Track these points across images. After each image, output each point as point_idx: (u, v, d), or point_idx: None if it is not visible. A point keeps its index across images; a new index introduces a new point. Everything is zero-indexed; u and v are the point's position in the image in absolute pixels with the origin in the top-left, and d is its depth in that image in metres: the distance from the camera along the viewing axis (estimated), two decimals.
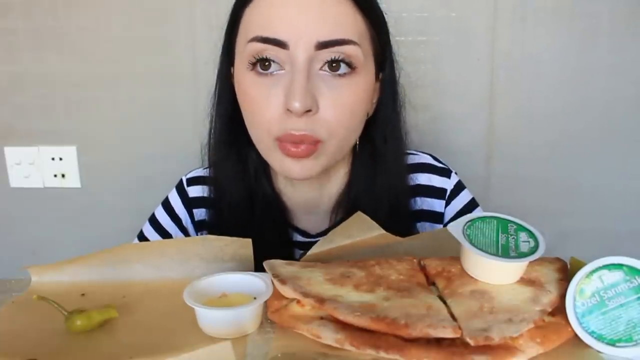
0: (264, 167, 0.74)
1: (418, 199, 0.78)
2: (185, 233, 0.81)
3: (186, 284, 0.49)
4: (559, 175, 1.08)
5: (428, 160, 0.81)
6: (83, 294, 0.56)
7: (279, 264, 0.54)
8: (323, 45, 0.61)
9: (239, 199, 0.74)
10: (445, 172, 0.80)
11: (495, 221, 0.52)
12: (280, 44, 0.61)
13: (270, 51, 0.62)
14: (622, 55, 1.02)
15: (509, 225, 0.52)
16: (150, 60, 1.07)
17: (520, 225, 0.52)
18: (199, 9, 1.04)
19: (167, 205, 0.82)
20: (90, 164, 1.13)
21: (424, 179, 0.79)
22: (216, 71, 0.74)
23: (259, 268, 0.57)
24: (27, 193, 1.14)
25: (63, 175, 1.13)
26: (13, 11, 1.06)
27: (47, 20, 1.06)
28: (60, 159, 1.12)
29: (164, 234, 0.80)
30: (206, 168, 0.80)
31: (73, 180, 1.13)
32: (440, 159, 0.82)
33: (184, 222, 0.81)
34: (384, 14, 0.70)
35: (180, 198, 0.81)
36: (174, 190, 0.83)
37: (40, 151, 1.12)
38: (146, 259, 0.59)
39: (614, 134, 1.06)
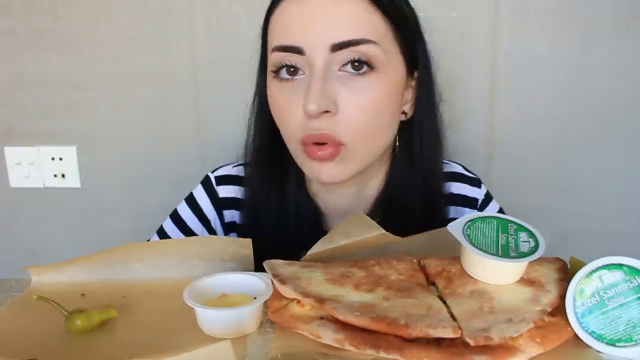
0: (301, 175, 0.73)
1: (452, 208, 0.78)
2: (213, 234, 0.79)
3: (186, 284, 0.50)
4: (559, 175, 1.08)
5: (459, 169, 0.81)
6: (83, 294, 0.56)
7: (279, 264, 0.54)
8: (338, 47, 0.61)
9: (276, 205, 0.74)
10: (476, 182, 0.81)
11: (495, 221, 0.52)
12: (297, 50, 0.62)
13: (290, 58, 0.63)
14: (623, 56, 1.01)
15: (509, 225, 0.52)
16: (150, 60, 1.07)
17: (520, 225, 0.52)
18: (199, 9, 1.04)
19: (193, 203, 0.79)
20: (90, 164, 1.13)
21: (456, 188, 0.79)
22: (248, 85, 0.75)
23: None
24: (27, 193, 1.14)
25: (63, 175, 1.13)
26: (13, 11, 1.06)
27: (47, 20, 1.06)
28: (60, 159, 1.12)
29: (188, 231, 0.78)
30: (235, 166, 0.80)
31: (73, 180, 1.13)
32: (470, 169, 0.82)
33: (212, 223, 0.79)
34: (413, 9, 0.69)
35: (209, 197, 0.79)
36: (200, 188, 0.80)
37: (40, 151, 1.12)
38: (146, 259, 0.59)
39: (615, 134, 1.06)
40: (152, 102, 1.09)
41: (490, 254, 0.48)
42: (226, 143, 1.05)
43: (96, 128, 1.11)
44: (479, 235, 0.50)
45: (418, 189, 0.73)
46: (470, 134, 1.07)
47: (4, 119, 1.11)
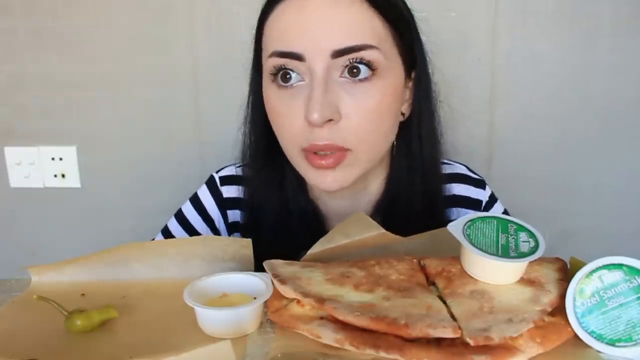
0: (300, 176, 0.72)
1: (454, 209, 0.77)
2: (217, 234, 0.79)
3: (186, 284, 0.49)
4: (559, 175, 1.08)
5: (463, 170, 0.81)
6: (83, 294, 0.56)
7: (279, 264, 0.54)
8: (339, 53, 0.60)
9: (275, 207, 0.73)
10: (480, 184, 0.80)
11: (495, 221, 0.52)
12: (296, 56, 0.61)
13: (289, 64, 0.62)
14: (623, 56, 1.01)
15: (509, 225, 0.52)
16: (150, 60, 1.07)
17: (520, 225, 0.52)
18: (199, 9, 1.04)
19: (197, 203, 0.80)
20: (90, 164, 1.13)
21: (459, 189, 0.78)
22: (247, 85, 0.74)
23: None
24: (27, 193, 1.14)
25: (63, 175, 1.13)
26: (13, 11, 1.06)
27: (47, 20, 1.06)
28: (60, 159, 1.12)
29: (192, 231, 0.78)
30: (239, 166, 0.79)
31: (73, 180, 1.13)
32: (474, 170, 0.82)
33: (216, 222, 0.79)
34: (412, 11, 0.69)
35: (213, 197, 0.79)
36: (205, 188, 0.80)
37: (40, 151, 1.12)
38: (146, 259, 0.59)
39: (615, 134, 1.06)
40: (152, 102, 1.09)
41: (490, 254, 0.48)
42: (226, 143, 1.05)
43: (96, 128, 1.11)
44: (479, 235, 0.50)
45: (418, 188, 0.72)
46: (470, 134, 1.07)
47: (4, 119, 1.11)
